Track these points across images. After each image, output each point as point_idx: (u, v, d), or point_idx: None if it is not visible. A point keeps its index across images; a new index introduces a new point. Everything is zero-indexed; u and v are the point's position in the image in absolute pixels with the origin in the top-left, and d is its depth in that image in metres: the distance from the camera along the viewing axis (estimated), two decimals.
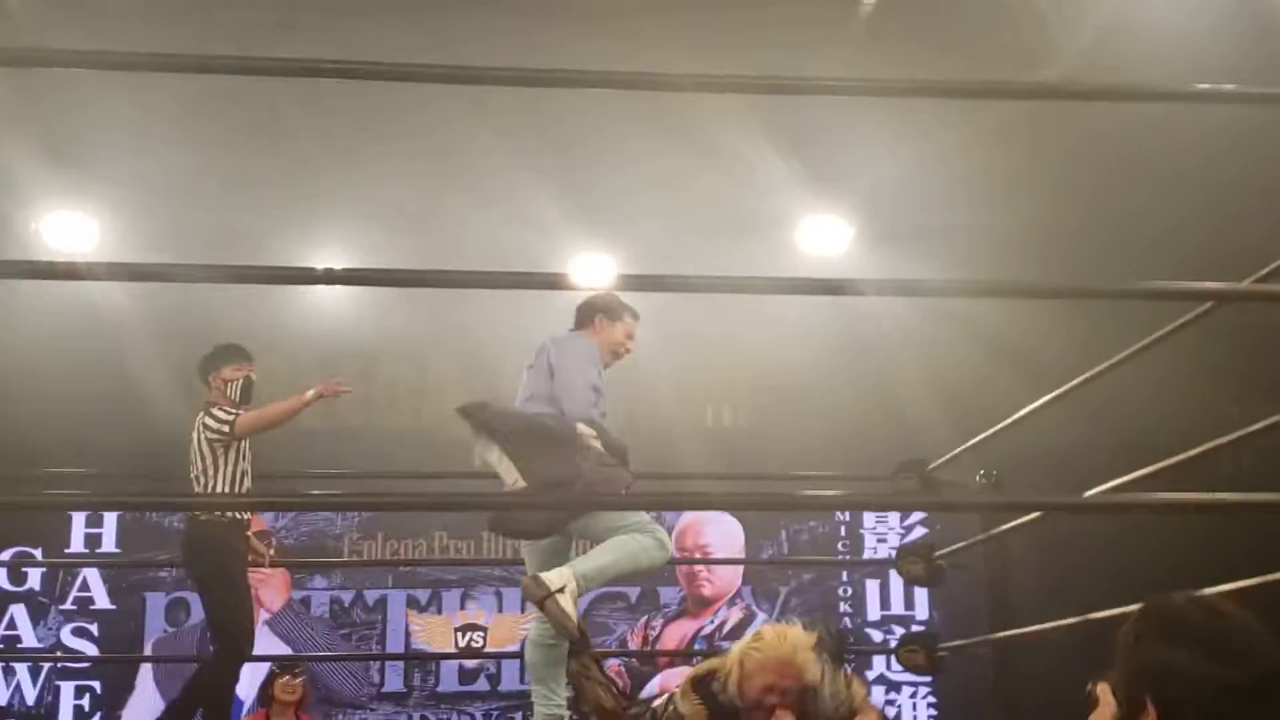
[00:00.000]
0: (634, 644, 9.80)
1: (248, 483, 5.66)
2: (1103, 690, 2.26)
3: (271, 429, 5.63)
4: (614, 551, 4.46)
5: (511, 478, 4.52)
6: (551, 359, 4.71)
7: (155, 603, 9.83)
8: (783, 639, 4.07)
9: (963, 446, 5.60)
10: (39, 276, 5.79)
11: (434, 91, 5.37)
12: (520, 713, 9.70)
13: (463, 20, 6.10)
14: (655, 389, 9.67)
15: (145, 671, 9.68)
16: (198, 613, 9.58)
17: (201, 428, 5.58)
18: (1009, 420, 5.11)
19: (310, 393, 5.55)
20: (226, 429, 5.51)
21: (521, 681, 9.73)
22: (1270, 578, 3.65)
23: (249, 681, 7.44)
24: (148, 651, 9.67)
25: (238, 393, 5.67)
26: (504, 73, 3.18)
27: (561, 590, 4.28)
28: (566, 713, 4.49)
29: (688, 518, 9.86)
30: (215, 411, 5.57)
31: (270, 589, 9.44)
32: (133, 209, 7.68)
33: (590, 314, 4.93)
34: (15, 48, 5.21)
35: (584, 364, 4.70)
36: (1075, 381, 4.68)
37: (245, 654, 5.67)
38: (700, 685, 4.38)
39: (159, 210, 7.61)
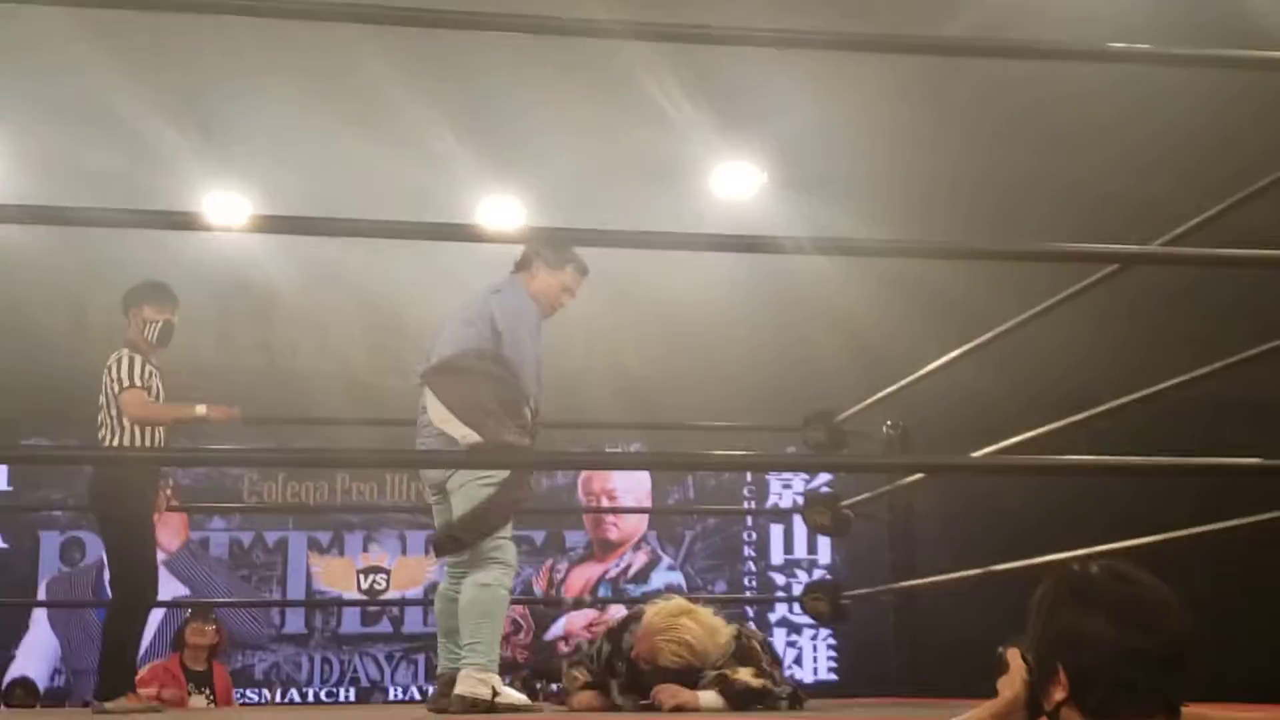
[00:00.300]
0: (539, 587, 9.79)
1: (159, 434, 5.52)
2: (1012, 655, 2.24)
3: (152, 424, 5.46)
4: (488, 617, 4.33)
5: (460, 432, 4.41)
6: (498, 322, 4.51)
7: (50, 541, 9.66)
8: (669, 625, 4.08)
9: (872, 398, 5.59)
10: None
11: (340, 29, 5.19)
12: (423, 654, 9.66)
13: None
14: (564, 333, 9.62)
15: (39, 613, 9.50)
16: (93, 552, 9.46)
17: (107, 377, 5.44)
18: (920, 372, 5.11)
19: (202, 409, 5.42)
20: (113, 399, 5.38)
21: (425, 624, 9.71)
22: (1173, 535, 3.67)
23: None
24: (42, 591, 9.49)
25: (155, 334, 5.53)
26: (405, 13, 3.06)
27: (495, 692, 4.23)
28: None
29: None
30: (118, 369, 5.41)
31: (168, 529, 9.23)
32: (23, 139, 7.42)
33: (532, 256, 4.70)
34: None
35: (532, 337, 4.54)
36: (988, 335, 4.68)
37: (150, 601, 5.57)
38: (614, 634, 4.39)
39: (52, 147, 7.36)
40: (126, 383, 5.37)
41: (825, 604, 5.73)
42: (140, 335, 5.53)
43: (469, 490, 4.37)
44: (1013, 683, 2.24)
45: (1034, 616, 2.18)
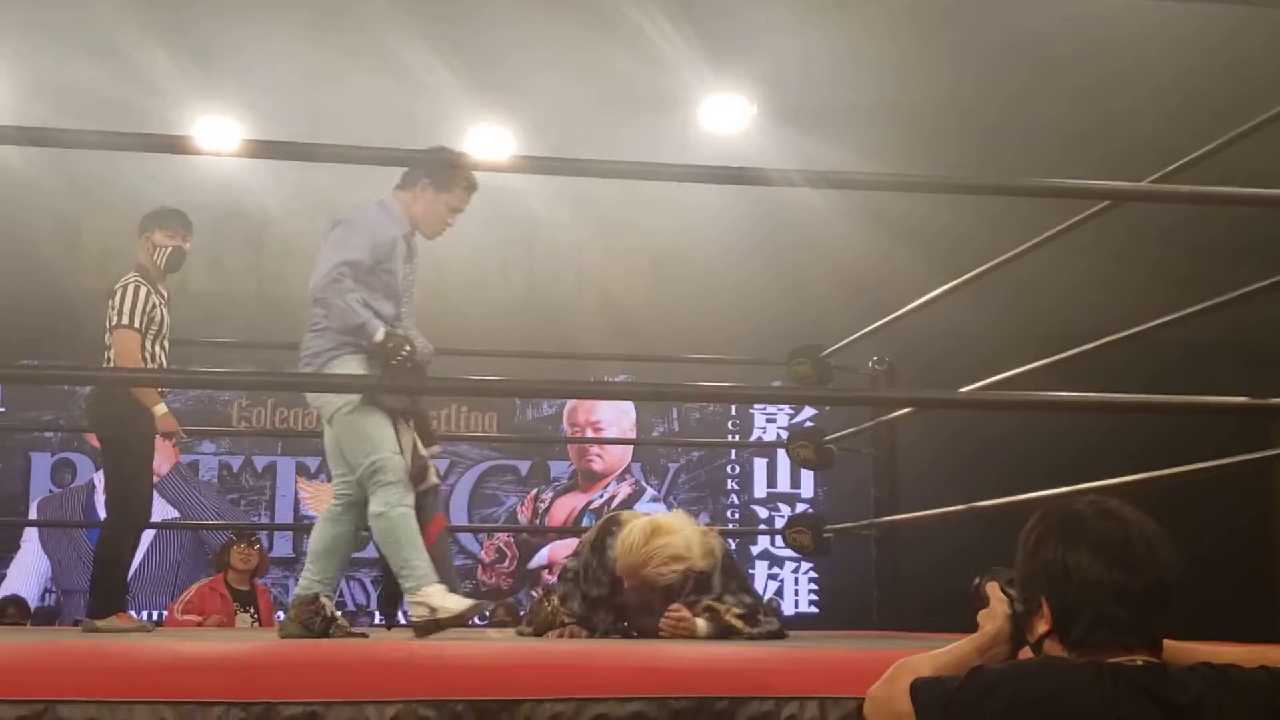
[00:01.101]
0: (524, 516, 9.83)
1: (162, 357, 5.46)
2: (991, 589, 2.22)
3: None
4: (396, 544, 4.15)
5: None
6: (327, 256, 4.29)
7: (41, 463, 9.66)
8: (649, 554, 4.05)
9: (858, 333, 5.55)
10: None
11: None
12: None
13: None
14: (553, 264, 9.58)
15: (30, 532, 9.51)
16: (84, 474, 9.47)
17: (110, 303, 5.37)
18: (907, 308, 5.06)
19: (161, 408, 5.20)
20: (107, 335, 5.32)
21: None
22: (1155, 474, 3.65)
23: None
24: (33, 511, 9.50)
25: (164, 259, 5.45)
26: None
27: (432, 609, 4.11)
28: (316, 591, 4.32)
29: None
30: (119, 299, 5.33)
31: (158, 453, 9.22)
32: (20, 67, 7.32)
33: (418, 174, 4.37)
34: None
35: (340, 235, 4.29)
36: (976, 271, 4.63)
37: (142, 523, 5.55)
38: (602, 537, 4.34)
39: (46, 69, 7.26)
40: (125, 320, 5.30)
41: (808, 537, 5.71)
42: (150, 259, 5.47)
43: (339, 420, 4.24)
44: (994, 616, 2.22)
45: (1020, 550, 2.17)
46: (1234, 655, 2.18)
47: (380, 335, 4.14)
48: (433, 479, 4.61)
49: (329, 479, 8.52)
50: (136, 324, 5.31)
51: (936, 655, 2.21)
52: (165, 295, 5.50)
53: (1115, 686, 1.99)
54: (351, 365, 4.21)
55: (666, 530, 4.11)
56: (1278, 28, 4.87)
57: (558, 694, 2.18)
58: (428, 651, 2.68)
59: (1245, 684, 2.09)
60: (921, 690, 2.11)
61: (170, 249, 5.46)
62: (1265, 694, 2.10)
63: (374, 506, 4.16)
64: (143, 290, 5.37)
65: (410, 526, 4.18)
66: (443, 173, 4.32)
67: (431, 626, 4.09)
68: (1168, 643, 2.12)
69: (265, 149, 5.10)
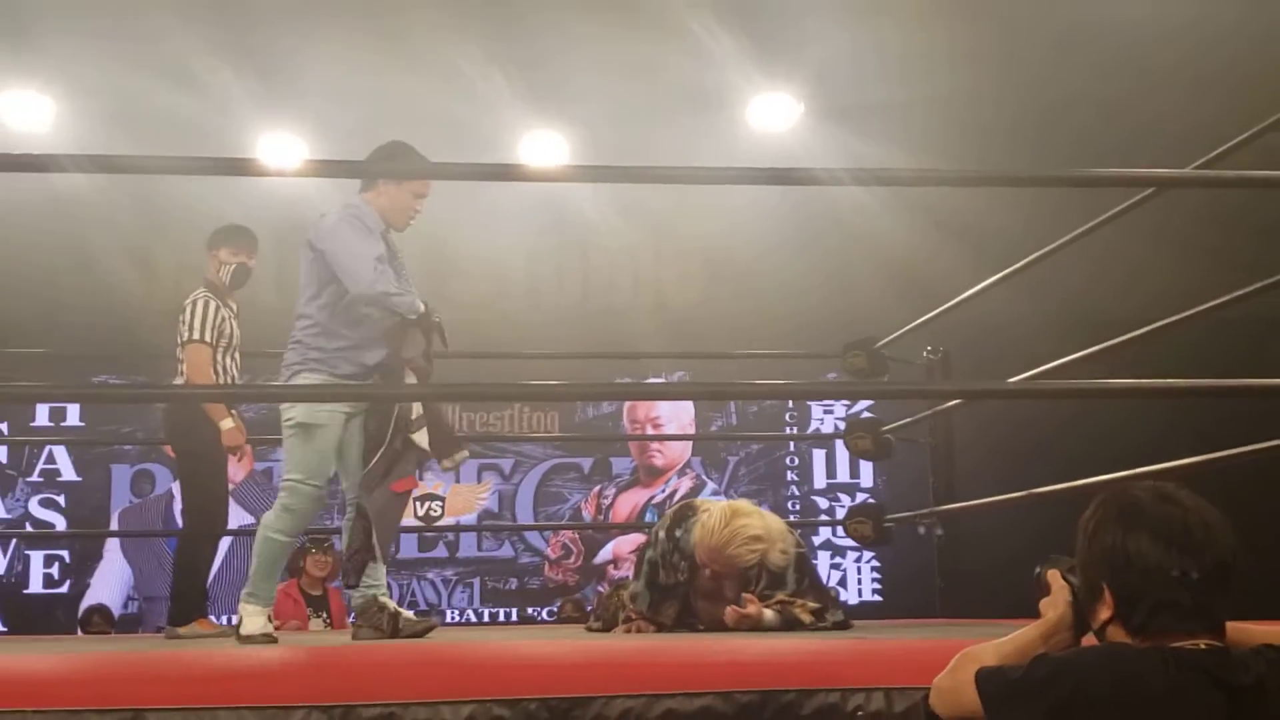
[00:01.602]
0: (588, 512, 9.84)
1: (234, 369, 5.53)
2: (1053, 576, 2.21)
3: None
4: (259, 557, 4.31)
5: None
6: (315, 243, 4.31)
7: (121, 474, 9.79)
8: (731, 534, 4.04)
9: (910, 325, 5.52)
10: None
11: None
12: (478, 578, 9.74)
13: None
14: (608, 267, 9.58)
15: (113, 542, 9.64)
16: (162, 483, 9.59)
17: (180, 318, 5.44)
18: (958, 299, 5.03)
19: (228, 423, 5.25)
20: (179, 350, 5.39)
21: (479, 549, 9.77)
22: (1212, 456, 3.60)
23: None
24: (114, 521, 9.63)
25: (229, 275, 5.52)
26: None
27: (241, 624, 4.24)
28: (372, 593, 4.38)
29: None
30: (189, 314, 5.40)
31: (234, 462, 9.33)
32: (87, 89, 7.42)
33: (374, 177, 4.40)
34: None
35: (354, 239, 4.26)
36: (1024, 261, 4.59)
37: (219, 531, 5.62)
38: (677, 522, 4.34)
39: (112, 90, 7.35)
40: (195, 334, 5.37)
41: (869, 527, 5.70)
42: (216, 275, 5.53)
43: (285, 430, 4.31)
44: (1056, 603, 2.22)
45: (1080, 537, 2.16)
46: None
47: (422, 307, 4.27)
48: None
49: None
50: (207, 337, 5.38)
51: (1000, 644, 2.20)
52: (234, 309, 5.56)
53: (1179, 671, 1.98)
54: (313, 379, 4.25)
55: (745, 513, 4.12)
56: None
57: (628, 690, 2.19)
58: (501, 651, 2.70)
59: None
60: (986, 680, 2.11)
61: (235, 265, 5.52)
62: None
63: (266, 517, 4.28)
64: (212, 304, 5.43)
65: (276, 553, 4.32)
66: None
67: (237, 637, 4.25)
68: (1231, 626, 2.10)
69: (329, 168, 5.10)
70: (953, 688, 2.15)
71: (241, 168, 5.86)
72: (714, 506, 4.23)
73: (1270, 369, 3.39)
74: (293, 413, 4.28)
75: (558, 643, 3.71)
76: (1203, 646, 2.02)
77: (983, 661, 2.15)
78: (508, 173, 4.98)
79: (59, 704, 2.15)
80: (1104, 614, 2.11)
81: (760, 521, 4.13)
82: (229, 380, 5.46)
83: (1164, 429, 4.63)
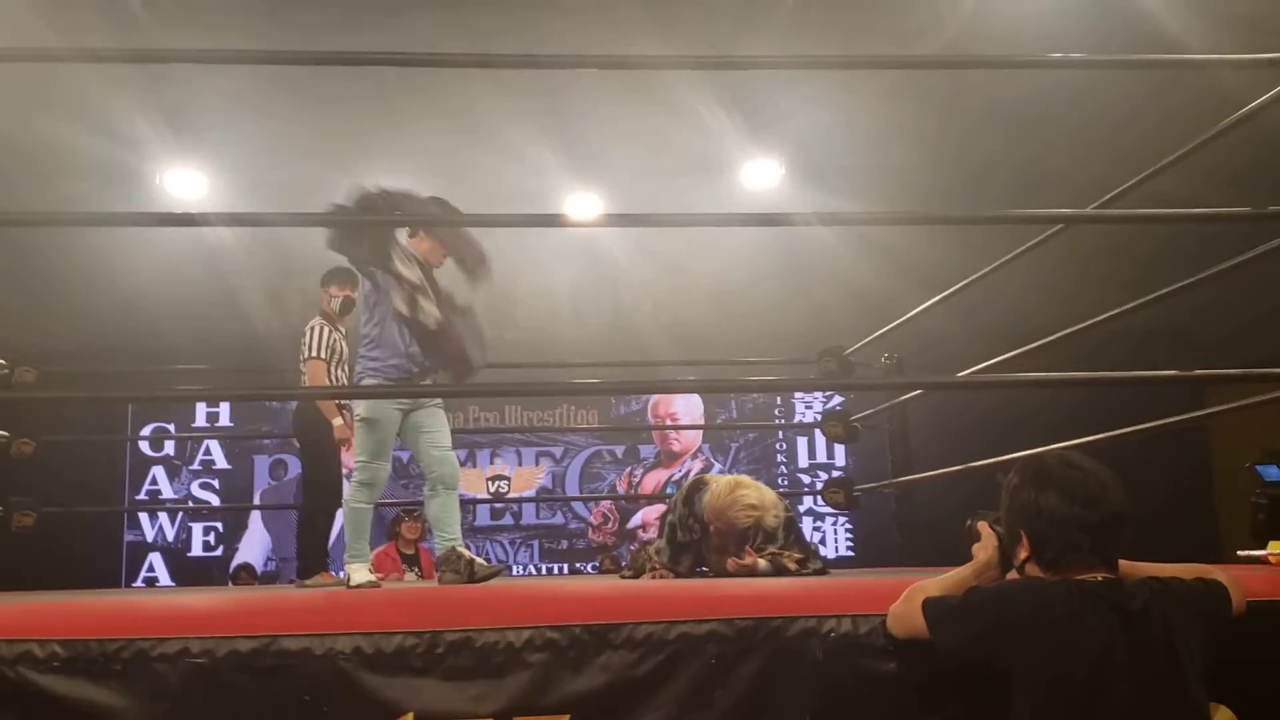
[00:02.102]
0: (621, 488, 9.83)
1: (343, 379, 5.54)
2: (982, 526, 2.20)
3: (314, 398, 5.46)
4: (349, 524, 4.40)
5: None
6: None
7: (261, 463, 9.85)
8: (733, 499, 4.01)
9: (868, 338, 5.49)
10: (167, 224, 5.65)
11: (459, 71, 5.13)
12: (537, 540, 9.73)
13: (483, 14, 5.84)
14: (634, 297, 9.58)
15: (255, 515, 9.70)
16: (293, 470, 9.63)
17: (302, 340, 5.46)
18: (906, 317, 5.00)
19: (338, 421, 5.25)
20: (301, 364, 5.41)
21: (537, 517, 9.76)
22: (1108, 435, 3.58)
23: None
24: (256, 500, 9.67)
25: (338, 306, 5.53)
26: (513, 58, 3.02)
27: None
28: (450, 545, 4.39)
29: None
30: (308, 337, 5.42)
31: (347, 452, 9.38)
32: (234, 165, 7.48)
33: (416, 227, 4.54)
34: (140, 48, 5.04)
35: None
36: (957, 286, 4.57)
37: (332, 506, 5.60)
38: (687, 499, 4.32)
39: (253, 166, 7.40)
40: (312, 353, 5.38)
41: (841, 495, 5.65)
42: (328, 306, 5.54)
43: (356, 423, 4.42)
44: (986, 547, 2.21)
45: (1004, 496, 2.16)
46: (1176, 571, 2.15)
47: None
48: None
49: (474, 465, 8.59)
50: (321, 354, 5.38)
51: (942, 579, 2.20)
52: (344, 331, 5.57)
53: (1081, 598, 1.98)
54: (373, 382, 4.33)
55: (745, 485, 4.10)
56: (1192, 87, 4.73)
57: (650, 617, 2.18)
58: (554, 590, 2.70)
59: (1184, 592, 2.07)
60: (930, 607, 2.10)
61: (342, 298, 5.53)
62: (1200, 599, 2.07)
63: (347, 491, 4.40)
64: (325, 329, 5.43)
65: (359, 518, 4.37)
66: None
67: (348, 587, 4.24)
68: (1123, 563, 2.10)
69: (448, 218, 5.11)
70: (904, 613, 2.15)
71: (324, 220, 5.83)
72: (720, 480, 4.21)
73: (1146, 368, 3.35)
74: (359, 409, 4.36)
75: (597, 584, 3.72)
76: (1100, 579, 2.02)
77: (928, 593, 2.14)
78: (558, 221, 4.99)
79: (214, 632, 2.17)
80: (1022, 554, 2.11)
81: (756, 493, 4.11)
82: (336, 383, 5.49)
83: (1067, 415, 4.57)
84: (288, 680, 2.13)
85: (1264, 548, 2.65)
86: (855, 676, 2.16)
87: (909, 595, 2.16)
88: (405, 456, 9.58)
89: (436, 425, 4.44)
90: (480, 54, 3.20)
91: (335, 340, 5.46)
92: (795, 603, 2.24)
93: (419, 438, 4.39)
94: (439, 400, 4.52)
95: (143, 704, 2.12)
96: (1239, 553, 2.82)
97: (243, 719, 2.12)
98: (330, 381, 5.40)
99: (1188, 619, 2.01)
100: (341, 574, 4.82)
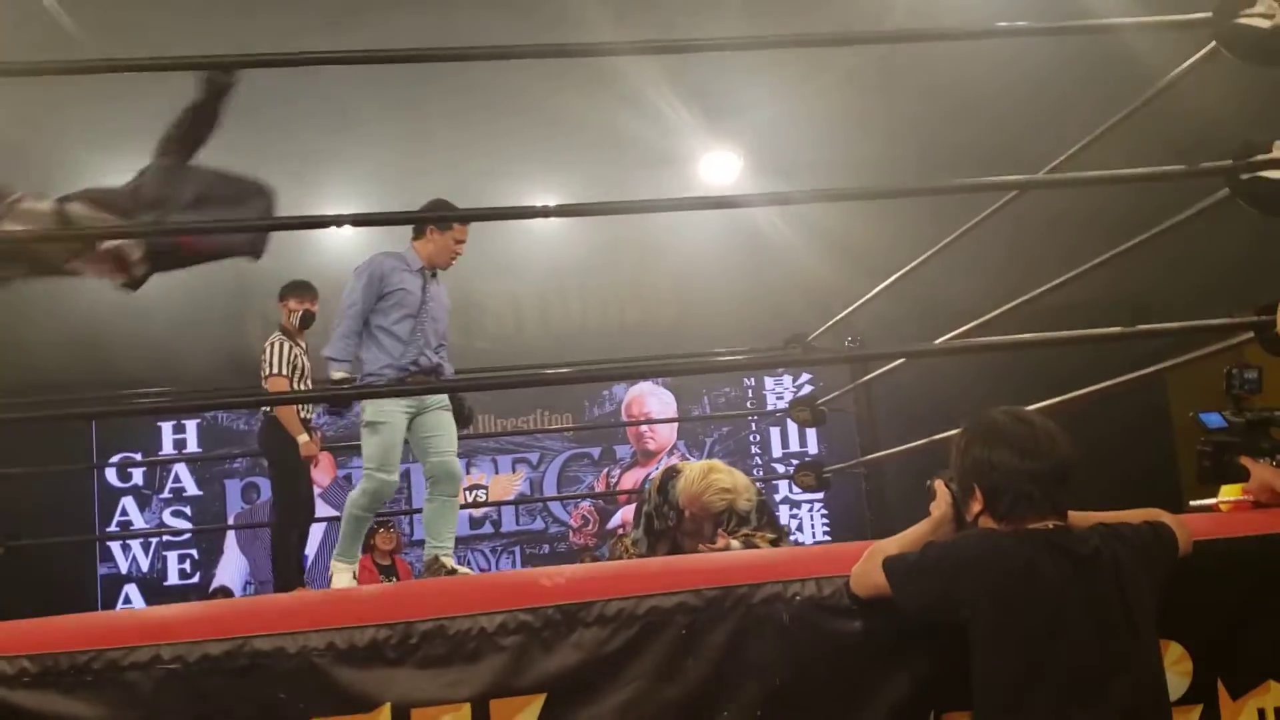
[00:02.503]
0: (599, 489, 9.85)
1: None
2: (939, 485, 2.25)
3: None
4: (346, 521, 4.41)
5: None
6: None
7: (233, 488, 9.80)
8: (707, 484, 4.05)
9: (828, 324, 5.55)
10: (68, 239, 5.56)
11: (414, 68, 5.10)
12: (519, 546, 9.74)
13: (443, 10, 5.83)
14: (601, 299, 9.62)
15: (230, 540, 9.65)
16: (266, 492, 9.59)
17: (262, 357, 5.46)
18: (861, 301, 5.07)
19: (304, 438, 5.29)
20: (264, 382, 5.40)
21: (517, 524, 9.78)
22: (1066, 397, 3.65)
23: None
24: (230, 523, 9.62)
25: (297, 321, 5.52)
26: (453, 50, 3.06)
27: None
28: (435, 553, 4.43)
29: (634, 392, 9.87)
30: (268, 353, 5.41)
31: (320, 470, 9.35)
32: None
33: (423, 227, 4.48)
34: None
35: (353, 286, 4.43)
36: (909, 265, 4.64)
37: (300, 521, 5.61)
38: (661, 488, 4.35)
39: None
40: (273, 369, 5.37)
41: (811, 478, 5.71)
42: (288, 321, 5.54)
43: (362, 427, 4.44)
44: (940, 505, 2.26)
45: (953, 453, 2.21)
46: (1123, 517, 2.21)
47: (337, 376, 4.38)
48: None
49: None
50: (283, 370, 5.38)
51: (900, 538, 2.24)
52: (304, 346, 5.56)
53: (1034, 546, 2.03)
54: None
55: (718, 470, 4.11)
56: (1133, 61, 4.82)
57: (621, 594, 2.22)
58: (525, 576, 2.73)
59: (1132, 535, 2.13)
60: (890, 564, 2.15)
61: (301, 311, 5.52)
62: (1147, 542, 2.13)
63: (351, 495, 4.43)
64: (285, 345, 5.43)
65: (358, 524, 4.44)
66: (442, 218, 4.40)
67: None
68: (1072, 513, 2.15)
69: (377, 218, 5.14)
70: (865, 572, 2.20)
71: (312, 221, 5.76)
72: (693, 466, 4.24)
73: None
74: (365, 414, 4.34)
75: (568, 568, 3.75)
76: (1051, 527, 2.08)
77: (888, 551, 2.19)
78: (516, 213, 4.99)
79: (185, 637, 2.18)
80: (976, 508, 2.16)
81: (729, 477, 4.13)
82: (304, 405, 5.48)
83: (1023, 387, 4.65)
84: (262, 680, 2.14)
85: (1212, 495, 2.72)
86: (822, 637, 2.20)
87: (869, 555, 2.21)
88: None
89: (440, 429, 4.43)
90: (419, 49, 3.21)
91: (296, 355, 5.45)
92: (760, 570, 2.28)
93: (421, 441, 4.40)
94: (445, 403, 4.49)
95: (117, 713, 2.12)
96: (1191, 503, 2.88)
97: None
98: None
99: (1137, 561, 2.07)
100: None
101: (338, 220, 4.12)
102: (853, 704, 2.20)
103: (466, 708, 2.13)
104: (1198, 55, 2.97)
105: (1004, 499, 2.09)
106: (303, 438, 5.31)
